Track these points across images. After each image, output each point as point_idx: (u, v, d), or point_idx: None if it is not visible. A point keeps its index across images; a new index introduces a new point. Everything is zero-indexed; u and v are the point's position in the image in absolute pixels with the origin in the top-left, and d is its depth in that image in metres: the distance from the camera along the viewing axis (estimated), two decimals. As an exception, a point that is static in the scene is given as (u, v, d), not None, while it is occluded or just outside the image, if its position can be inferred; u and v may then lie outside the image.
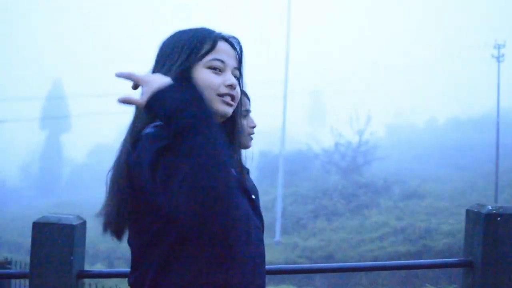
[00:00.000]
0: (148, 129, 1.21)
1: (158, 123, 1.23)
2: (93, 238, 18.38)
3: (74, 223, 2.00)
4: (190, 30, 1.35)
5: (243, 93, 1.49)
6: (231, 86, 1.33)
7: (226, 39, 1.37)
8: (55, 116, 44.49)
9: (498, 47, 25.54)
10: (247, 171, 1.59)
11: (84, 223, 2.09)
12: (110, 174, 1.30)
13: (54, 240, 1.98)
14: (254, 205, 1.37)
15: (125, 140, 1.29)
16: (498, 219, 2.09)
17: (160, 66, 1.32)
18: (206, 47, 1.31)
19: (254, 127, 1.79)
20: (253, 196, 1.41)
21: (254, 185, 1.58)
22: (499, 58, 25.37)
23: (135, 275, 1.27)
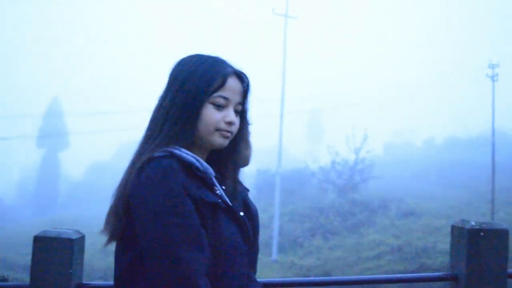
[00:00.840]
0: (163, 160, 1.32)
1: (171, 149, 1.35)
2: (90, 256, 18.35)
3: (73, 237, 2.07)
4: (204, 63, 1.45)
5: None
6: (229, 123, 1.44)
7: (237, 74, 1.48)
8: (52, 134, 44.54)
9: (493, 67, 25.80)
10: (247, 191, 1.68)
11: (83, 238, 2.17)
12: (120, 180, 1.41)
13: (54, 254, 2.05)
14: (243, 229, 1.45)
15: (135, 159, 1.40)
16: (481, 234, 2.18)
17: (173, 94, 1.42)
18: (216, 84, 1.41)
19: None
20: (244, 220, 1.48)
21: (253, 205, 1.66)
22: (493, 78, 25.62)
23: None
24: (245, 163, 1.77)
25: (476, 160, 38.45)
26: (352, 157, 30.81)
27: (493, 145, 24.46)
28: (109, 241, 1.42)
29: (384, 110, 75.56)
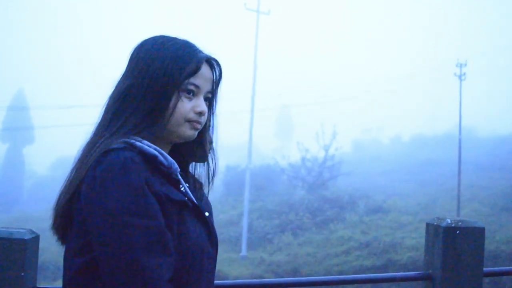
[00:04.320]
0: (122, 152, 1.15)
1: (132, 140, 1.20)
2: (55, 254, 17.91)
3: (26, 237, 1.91)
4: (174, 45, 1.29)
5: None
6: (200, 113, 1.30)
7: (207, 61, 1.34)
8: (17, 127, 43.36)
9: (460, 66, 26.23)
10: (200, 186, 1.53)
11: (37, 238, 2.00)
12: (69, 173, 1.25)
13: (5, 255, 1.89)
14: (210, 231, 1.32)
15: (87, 151, 1.23)
16: (457, 232, 2.11)
17: (135, 78, 1.26)
18: (188, 70, 1.27)
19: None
20: (209, 217, 1.36)
21: (207, 200, 1.53)
22: (461, 77, 26.04)
23: None
24: (204, 159, 1.63)
25: (443, 157, 39.22)
26: (321, 154, 30.96)
27: (459, 142, 24.91)
28: (58, 241, 1.28)
29: (352, 108, 76.38)
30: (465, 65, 26.19)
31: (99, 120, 1.28)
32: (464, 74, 26.00)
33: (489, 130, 53.64)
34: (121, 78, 1.30)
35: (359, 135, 67.48)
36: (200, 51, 1.32)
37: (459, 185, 23.39)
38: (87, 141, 1.26)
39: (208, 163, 1.48)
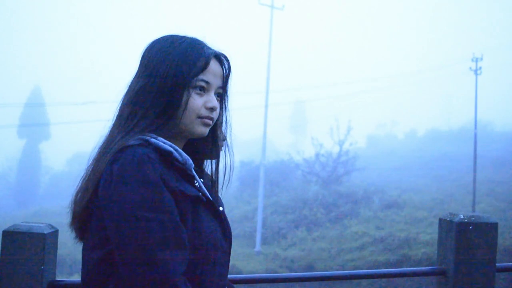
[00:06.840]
0: (138, 149, 1.19)
1: (147, 137, 1.23)
2: (71, 249, 18.14)
3: (46, 232, 1.96)
4: (182, 43, 1.32)
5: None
6: (211, 109, 1.33)
7: (216, 56, 1.36)
8: (34, 124, 43.84)
9: (476, 60, 25.94)
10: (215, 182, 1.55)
11: (56, 232, 2.05)
12: (85, 171, 1.29)
13: (25, 249, 1.94)
14: (224, 226, 1.36)
15: (104, 148, 1.27)
16: (470, 227, 2.12)
17: (147, 78, 1.29)
18: (198, 67, 1.29)
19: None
20: (224, 215, 1.39)
21: (219, 197, 1.55)
22: (476, 71, 25.76)
23: None
24: (217, 155, 1.64)
25: (458, 152, 38.87)
26: (335, 149, 30.86)
27: (475, 137, 24.66)
28: (77, 238, 1.32)
29: (367, 103, 75.96)
30: (481, 59, 25.90)
31: (114, 119, 1.32)
32: (480, 68, 25.71)
33: (505, 125, 52.97)
34: (133, 79, 1.34)
35: (374, 130, 67.06)
36: (208, 48, 1.34)
37: (474, 180, 23.17)
38: (104, 139, 1.30)
39: (219, 160, 1.50)
